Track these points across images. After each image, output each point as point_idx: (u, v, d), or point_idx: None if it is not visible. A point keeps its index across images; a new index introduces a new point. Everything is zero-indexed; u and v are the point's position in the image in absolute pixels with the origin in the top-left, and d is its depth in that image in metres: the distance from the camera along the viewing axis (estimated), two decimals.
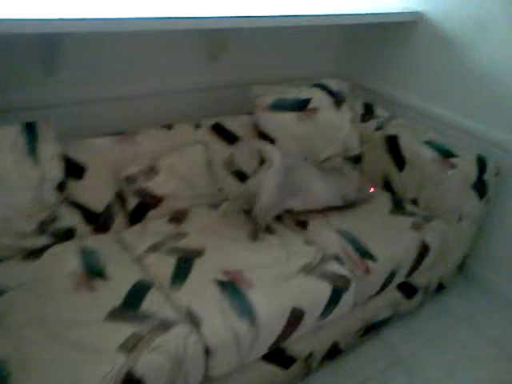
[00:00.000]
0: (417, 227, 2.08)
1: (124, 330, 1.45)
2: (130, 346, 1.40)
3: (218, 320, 1.53)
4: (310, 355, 1.87)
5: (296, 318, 1.65)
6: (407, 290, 2.15)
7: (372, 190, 2.24)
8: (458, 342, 2.20)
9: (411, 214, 2.17)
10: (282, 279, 1.70)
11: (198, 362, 1.48)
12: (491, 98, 2.30)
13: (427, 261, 2.07)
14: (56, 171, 1.79)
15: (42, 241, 1.78)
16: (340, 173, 2.24)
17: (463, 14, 2.34)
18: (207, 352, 1.49)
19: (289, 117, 2.32)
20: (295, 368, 1.84)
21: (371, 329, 2.10)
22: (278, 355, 1.75)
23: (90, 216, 1.92)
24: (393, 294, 2.09)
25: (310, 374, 1.95)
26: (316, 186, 2.06)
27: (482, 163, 2.18)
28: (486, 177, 2.19)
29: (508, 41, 2.18)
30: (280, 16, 2.15)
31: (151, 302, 1.57)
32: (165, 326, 1.48)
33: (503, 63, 2.22)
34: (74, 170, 1.91)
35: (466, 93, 2.41)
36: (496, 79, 2.26)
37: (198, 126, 2.23)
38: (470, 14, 2.32)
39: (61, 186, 1.81)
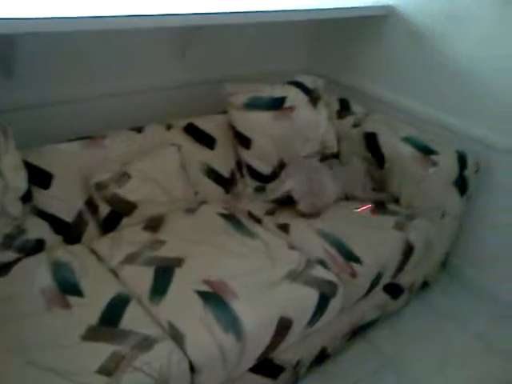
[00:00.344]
0: (400, 226, 2.04)
1: (103, 350, 1.35)
2: (110, 368, 1.30)
3: (203, 335, 1.44)
4: (298, 363, 1.81)
5: (284, 327, 1.58)
6: (393, 290, 2.11)
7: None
8: (443, 339, 2.18)
9: (393, 213, 2.13)
10: (267, 287, 1.63)
11: (183, 380, 1.39)
12: (470, 93, 2.27)
13: (412, 260, 2.03)
14: (19, 181, 1.66)
15: (9, 256, 1.65)
16: (344, 168, 2.21)
17: (435, 8, 2.32)
18: (192, 369, 1.41)
19: (265, 116, 2.24)
20: (284, 377, 1.77)
21: (358, 331, 2.05)
22: (265, 365, 1.67)
23: (59, 226, 1.81)
24: (379, 295, 2.05)
25: (298, 381, 1.89)
26: (329, 187, 2.08)
27: (462, 160, 2.16)
28: (466, 173, 2.16)
29: (486, 38, 2.16)
30: (246, 12, 2.07)
31: (131, 318, 1.47)
32: (147, 343, 1.39)
33: (481, 60, 2.19)
34: (40, 178, 1.79)
35: (441, 88, 2.39)
36: (474, 75, 2.24)
37: (169, 127, 2.13)
38: (441, 8, 2.29)
39: (26, 197, 1.69)
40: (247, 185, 2.31)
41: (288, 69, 2.82)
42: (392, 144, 2.27)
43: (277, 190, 2.06)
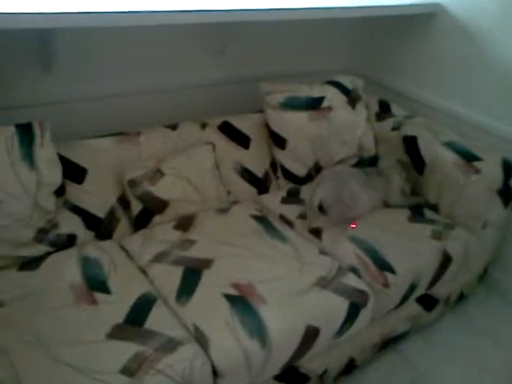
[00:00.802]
0: (437, 236, 1.95)
1: (127, 350, 1.35)
2: (132, 368, 1.29)
3: (228, 339, 1.42)
4: (325, 372, 1.76)
5: (311, 336, 1.53)
6: (427, 301, 2.03)
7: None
8: (479, 356, 2.08)
9: (431, 222, 2.04)
10: (296, 294, 1.58)
11: None
12: None
13: (449, 271, 1.95)
14: (54, 175, 1.67)
15: (41, 249, 1.67)
16: (381, 175, 2.15)
17: (489, 7, 2.20)
18: (216, 374, 1.38)
19: (301, 116, 2.19)
20: None
21: (389, 343, 1.98)
22: (290, 373, 1.64)
23: (91, 222, 1.82)
24: (412, 306, 1.97)
25: None
26: (361, 198, 2.01)
27: (507, 167, 2.05)
28: (511, 182, 2.06)
29: None
30: (290, 9, 2.03)
31: (156, 319, 1.46)
32: (171, 345, 1.37)
33: None
34: (74, 173, 1.80)
35: (487, 92, 2.28)
36: None
37: (204, 126, 2.11)
38: (496, 8, 2.17)
39: (59, 191, 1.70)
40: (281, 186, 2.27)
41: (328, 68, 2.76)
42: (433, 149, 2.18)
43: (308, 201, 2.01)
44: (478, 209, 2.05)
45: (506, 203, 2.08)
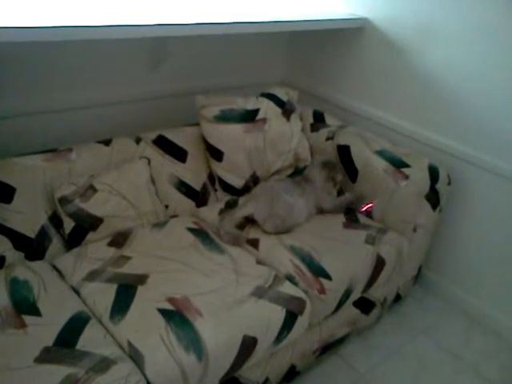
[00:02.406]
0: (371, 240, 2.02)
1: (57, 373, 1.30)
2: None
3: (163, 355, 1.40)
4: (266, 381, 1.77)
5: (248, 346, 1.54)
6: (364, 305, 2.09)
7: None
8: (417, 355, 2.15)
9: (365, 227, 2.10)
10: (232, 305, 1.59)
11: None
12: (443, 107, 2.28)
13: (383, 274, 2.01)
14: None
15: None
16: (308, 180, 2.19)
17: (409, 21, 2.33)
18: None
19: (236, 128, 2.21)
20: None
21: (329, 347, 2.02)
22: None
23: (20, 242, 1.75)
24: (350, 311, 2.02)
25: None
26: (297, 208, 2.06)
27: (434, 173, 2.15)
28: (438, 186, 2.15)
29: (459, 53, 2.16)
30: (220, 23, 2.05)
31: (89, 339, 1.42)
32: (104, 365, 1.34)
33: (454, 74, 2.20)
34: (1, 192, 1.73)
35: (414, 101, 2.39)
36: (447, 89, 2.25)
37: (138, 140, 2.09)
38: (415, 21, 2.30)
39: None
40: (220, 198, 2.28)
41: (264, 81, 2.81)
42: (364, 157, 2.26)
43: (237, 213, 2.04)
44: (408, 213, 2.14)
45: (434, 206, 2.18)
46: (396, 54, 2.41)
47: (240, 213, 2.02)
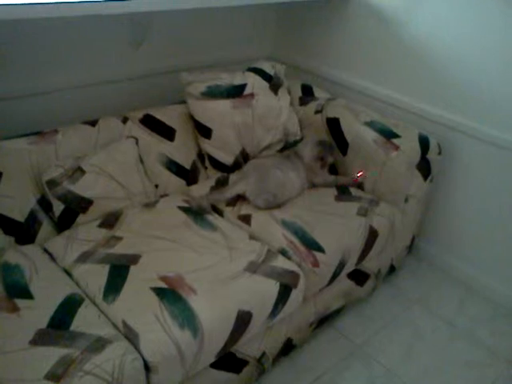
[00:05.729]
0: (363, 212, 2.01)
1: (52, 355, 1.30)
2: (58, 373, 1.25)
3: (158, 333, 1.39)
4: (263, 355, 1.78)
5: (243, 321, 1.54)
6: (358, 277, 2.09)
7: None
8: (411, 324, 2.17)
9: (357, 199, 2.10)
10: (226, 281, 1.58)
11: (137, 381, 1.34)
12: (431, 76, 2.26)
13: (377, 246, 2.01)
14: None
15: None
16: (297, 155, 2.17)
17: None
18: (148, 369, 1.36)
19: (224, 104, 2.18)
20: (248, 370, 1.74)
21: (325, 320, 2.03)
22: (228, 360, 1.64)
23: (10, 227, 1.73)
24: (344, 283, 2.02)
25: (264, 373, 1.86)
26: (289, 182, 2.05)
27: (424, 142, 2.14)
28: (429, 156, 2.15)
29: (446, 20, 2.13)
30: None
31: (83, 320, 1.41)
32: (99, 345, 1.33)
33: (441, 42, 2.18)
34: None
35: (402, 71, 2.37)
36: (435, 58, 2.22)
37: (125, 120, 2.06)
38: None
39: None
40: (209, 176, 2.26)
41: (250, 56, 2.77)
42: (354, 129, 2.24)
43: (228, 191, 2.03)
44: (399, 184, 2.13)
45: (425, 176, 2.17)
46: (382, 24, 2.38)
47: (231, 191, 2.01)
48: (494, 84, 2.06)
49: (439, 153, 2.20)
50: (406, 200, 2.15)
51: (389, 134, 2.16)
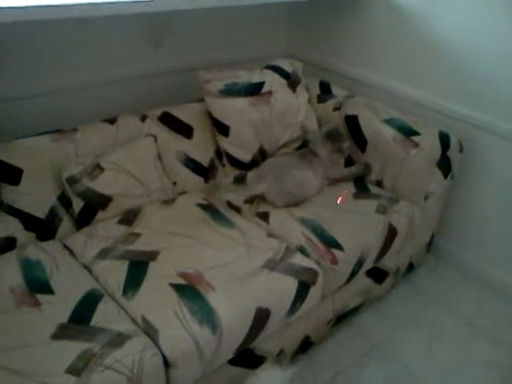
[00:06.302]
0: (382, 210, 2.00)
1: (73, 349, 1.31)
2: (79, 367, 1.27)
3: (177, 329, 1.40)
4: (281, 352, 1.78)
5: (262, 318, 1.54)
6: (377, 274, 2.08)
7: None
8: (431, 323, 2.15)
9: (376, 197, 2.08)
10: (244, 278, 1.58)
11: (157, 377, 1.35)
12: (452, 72, 2.22)
13: (396, 244, 1.99)
14: None
15: None
16: (313, 152, 2.15)
17: None
18: (167, 364, 1.37)
19: (241, 102, 2.19)
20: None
21: (343, 318, 2.02)
22: (245, 356, 1.64)
23: (31, 223, 1.76)
24: (362, 280, 2.01)
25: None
26: (308, 181, 2.04)
27: (444, 140, 2.11)
28: (449, 153, 2.12)
29: (468, 18, 2.10)
30: None
31: (103, 315, 1.43)
32: (119, 340, 1.35)
33: (462, 39, 2.14)
34: (8, 174, 1.73)
35: (422, 67, 2.34)
36: (455, 54, 2.19)
37: (144, 118, 2.08)
38: None
39: None
40: (227, 173, 2.27)
41: (268, 54, 2.77)
42: (373, 126, 2.22)
43: (247, 191, 2.03)
44: (419, 181, 2.11)
45: (445, 174, 2.15)
46: (402, 19, 2.35)
47: (249, 192, 2.00)
48: None
49: (460, 150, 2.17)
50: (426, 198, 2.13)
51: (408, 132, 2.13)
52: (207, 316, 1.44)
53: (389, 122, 2.20)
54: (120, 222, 1.82)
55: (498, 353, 2.03)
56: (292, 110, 2.31)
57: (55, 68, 2.05)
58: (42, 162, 1.81)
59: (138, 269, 1.59)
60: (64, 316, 1.41)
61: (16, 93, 1.99)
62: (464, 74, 2.18)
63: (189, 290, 1.51)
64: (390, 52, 2.45)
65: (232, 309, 1.49)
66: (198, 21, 2.42)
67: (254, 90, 2.22)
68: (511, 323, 2.18)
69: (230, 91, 2.17)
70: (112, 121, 2.00)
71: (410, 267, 2.33)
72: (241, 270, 1.61)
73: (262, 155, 2.27)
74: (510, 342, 2.08)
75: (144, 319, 1.43)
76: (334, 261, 1.76)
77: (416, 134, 2.13)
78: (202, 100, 2.24)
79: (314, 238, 1.82)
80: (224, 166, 2.28)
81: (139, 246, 1.69)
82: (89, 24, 2.03)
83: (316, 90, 2.51)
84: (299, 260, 1.71)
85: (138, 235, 1.74)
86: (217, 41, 2.57)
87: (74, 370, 1.25)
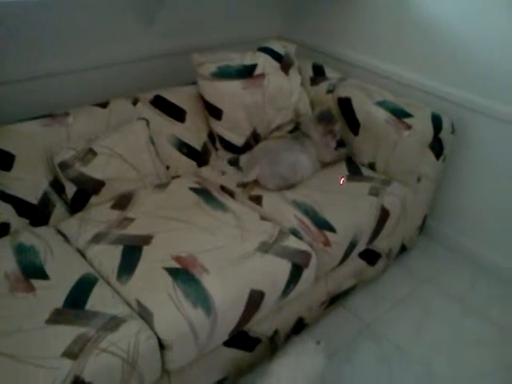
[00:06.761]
0: (375, 192, 2.01)
1: (68, 333, 1.32)
2: (75, 350, 1.28)
3: (171, 311, 1.42)
4: (275, 334, 1.80)
5: (255, 300, 1.55)
6: (370, 256, 2.10)
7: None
8: (422, 303, 2.18)
9: (369, 179, 2.09)
10: (238, 261, 1.59)
11: (152, 359, 1.37)
12: (445, 54, 2.22)
13: (388, 226, 2.01)
14: None
15: None
16: (305, 135, 2.15)
17: None
18: (162, 346, 1.39)
19: (234, 85, 2.17)
20: (260, 348, 1.77)
21: (336, 299, 2.04)
22: (240, 338, 1.66)
23: (24, 209, 1.76)
24: (355, 262, 2.03)
25: (277, 350, 1.88)
26: (300, 163, 2.04)
27: (437, 121, 2.11)
28: (441, 135, 2.12)
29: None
30: None
31: (97, 299, 1.44)
32: (114, 323, 1.36)
33: (456, 21, 2.13)
34: (1, 160, 1.73)
35: (415, 48, 2.33)
36: (449, 36, 2.18)
37: (136, 101, 2.06)
38: None
39: None
40: (221, 157, 2.26)
41: (262, 36, 2.75)
42: (366, 109, 2.22)
43: (244, 177, 2.02)
44: (411, 163, 2.11)
45: (437, 156, 2.15)
46: (397, 1, 2.33)
47: (246, 180, 1.99)
48: (508, 62, 2.02)
49: (452, 132, 2.17)
50: (418, 180, 2.14)
51: (401, 114, 2.13)
52: (201, 299, 1.45)
53: (382, 104, 2.20)
54: (113, 206, 1.82)
55: (489, 331, 2.06)
56: (285, 92, 2.30)
57: (43, 52, 2.02)
58: (33, 147, 1.80)
59: (132, 253, 1.60)
60: (59, 301, 1.41)
61: (3, 77, 1.95)
62: (456, 56, 2.18)
63: (183, 274, 1.52)
64: (385, 34, 2.43)
65: (226, 291, 1.50)
66: (190, 2, 2.39)
67: (247, 72, 2.21)
68: (502, 302, 2.21)
69: (223, 74, 2.16)
70: (104, 105, 1.99)
71: (403, 249, 2.35)
72: (234, 253, 1.62)
73: (255, 138, 2.27)
74: (501, 321, 2.11)
75: (139, 302, 1.44)
76: (327, 243, 1.77)
77: (409, 115, 2.13)
78: (195, 83, 2.23)
79: (306, 220, 1.83)
80: (217, 149, 2.27)
81: (133, 230, 1.70)
82: (77, 4, 2.00)
83: (309, 73, 2.50)
84: (292, 242, 1.72)
85: (131, 220, 1.75)
86: (209, 23, 2.54)
87: (70, 354, 1.26)
